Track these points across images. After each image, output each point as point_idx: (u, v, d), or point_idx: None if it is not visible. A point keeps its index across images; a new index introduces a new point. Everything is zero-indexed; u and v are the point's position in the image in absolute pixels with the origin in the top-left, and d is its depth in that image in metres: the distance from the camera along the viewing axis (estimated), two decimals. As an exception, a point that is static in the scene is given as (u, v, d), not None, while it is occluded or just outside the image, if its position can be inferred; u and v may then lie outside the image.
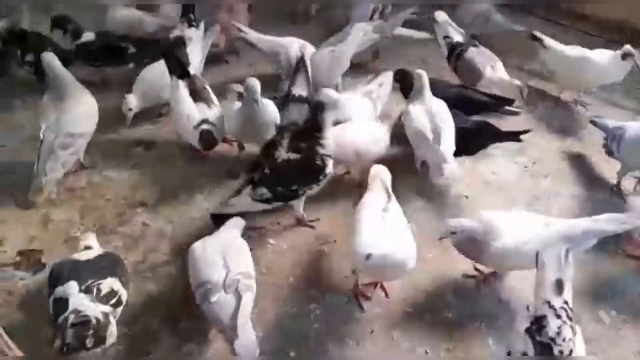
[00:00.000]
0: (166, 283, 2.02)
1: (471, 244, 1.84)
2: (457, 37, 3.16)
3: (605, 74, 2.89)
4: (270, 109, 2.45)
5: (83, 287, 1.58)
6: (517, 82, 2.85)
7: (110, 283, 1.63)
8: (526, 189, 2.51)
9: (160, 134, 2.84)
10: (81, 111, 2.47)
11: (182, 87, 2.56)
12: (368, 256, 1.72)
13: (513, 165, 2.67)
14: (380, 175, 2.06)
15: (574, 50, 2.97)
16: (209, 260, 1.77)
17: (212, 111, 2.55)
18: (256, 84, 2.33)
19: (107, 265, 1.72)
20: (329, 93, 2.22)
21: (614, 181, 2.48)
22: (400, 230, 1.85)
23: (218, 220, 2.06)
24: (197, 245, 1.85)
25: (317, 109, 2.12)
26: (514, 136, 2.49)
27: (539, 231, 1.80)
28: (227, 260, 1.76)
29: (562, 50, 2.99)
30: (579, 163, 2.69)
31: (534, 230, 1.80)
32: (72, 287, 1.57)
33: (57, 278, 1.63)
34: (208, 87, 2.69)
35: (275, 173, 2.05)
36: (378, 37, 3.28)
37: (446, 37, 3.18)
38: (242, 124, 2.44)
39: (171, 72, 2.59)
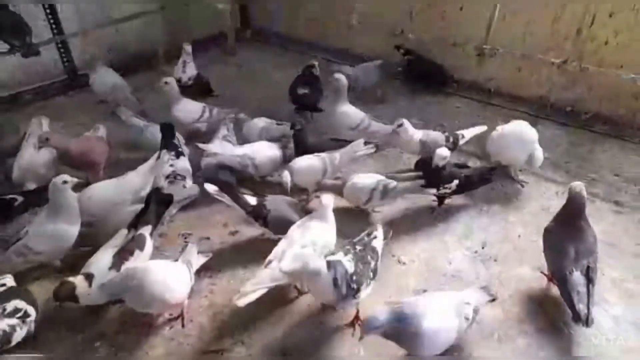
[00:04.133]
0: None
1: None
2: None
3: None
4: None
5: None
6: None
7: (15, 304, 2.18)
8: (480, 276, 2.62)
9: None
10: (51, 232, 2.51)
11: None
12: None
13: (464, 250, 2.79)
14: None
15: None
16: None
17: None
18: None
19: (12, 293, 2.26)
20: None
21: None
22: None
23: None
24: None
25: None
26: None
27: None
28: None
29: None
30: (523, 242, 2.84)
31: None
32: None
33: None
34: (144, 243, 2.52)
35: None
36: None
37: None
38: None
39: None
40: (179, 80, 4.28)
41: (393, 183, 2.92)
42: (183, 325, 2.35)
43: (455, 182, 2.92)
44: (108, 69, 4.29)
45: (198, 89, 4.40)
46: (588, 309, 2.12)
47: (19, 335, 2.14)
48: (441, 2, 4.52)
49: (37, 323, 2.26)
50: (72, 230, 2.58)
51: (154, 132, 3.42)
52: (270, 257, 2.36)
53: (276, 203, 2.73)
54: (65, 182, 2.52)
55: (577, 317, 2.13)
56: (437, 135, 3.37)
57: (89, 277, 2.23)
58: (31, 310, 2.22)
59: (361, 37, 5.16)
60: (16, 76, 4.59)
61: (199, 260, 2.50)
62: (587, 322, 2.10)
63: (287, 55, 5.51)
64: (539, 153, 3.17)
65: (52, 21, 4.59)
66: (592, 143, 3.79)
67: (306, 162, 3.09)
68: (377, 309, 1.91)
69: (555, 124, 4.03)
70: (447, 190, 2.95)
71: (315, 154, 3.15)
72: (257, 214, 2.69)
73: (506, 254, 2.76)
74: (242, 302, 2.19)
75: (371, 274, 2.20)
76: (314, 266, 2.01)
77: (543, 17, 4.00)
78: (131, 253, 2.41)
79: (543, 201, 3.16)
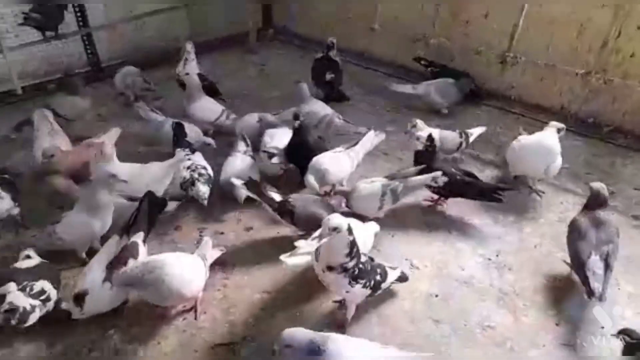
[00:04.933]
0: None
1: None
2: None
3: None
4: None
5: (20, 287, 2.17)
6: None
7: (41, 284, 2.23)
8: (494, 284, 2.60)
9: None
10: (76, 224, 2.59)
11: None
12: None
13: (478, 258, 2.77)
14: None
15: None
16: None
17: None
18: None
19: (42, 271, 2.32)
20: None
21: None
22: None
23: None
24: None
25: None
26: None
27: None
28: None
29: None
30: (539, 253, 2.81)
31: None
32: (10, 287, 2.16)
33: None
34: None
35: None
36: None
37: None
38: None
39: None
40: (178, 77, 4.28)
41: (400, 185, 2.86)
42: (196, 318, 2.38)
43: (439, 173, 2.86)
44: (130, 67, 4.40)
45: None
46: (603, 288, 2.26)
47: (35, 316, 2.18)
48: (465, 9, 4.51)
49: (56, 305, 2.30)
50: (96, 224, 2.62)
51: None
52: (318, 232, 2.36)
53: (301, 200, 2.74)
54: (113, 176, 2.62)
55: (590, 293, 2.24)
56: (450, 133, 3.46)
57: (81, 298, 2.21)
58: (53, 294, 2.29)
59: (382, 41, 5.18)
60: (42, 66, 4.72)
61: (213, 254, 2.53)
62: (601, 298, 2.23)
63: (308, 56, 5.48)
64: (558, 163, 3.12)
65: (78, 14, 4.70)
66: (612, 156, 3.74)
67: (337, 163, 3.07)
68: (299, 330, 1.84)
69: (575, 135, 3.97)
70: (432, 184, 2.93)
71: (336, 150, 3.16)
72: (283, 210, 2.70)
73: (521, 263, 2.73)
74: (290, 260, 2.31)
75: (372, 284, 2.21)
76: (338, 220, 2.04)
77: (568, 27, 3.96)
78: (125, 263, 2.29)
79: (560, 212, 3.12)
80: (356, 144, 3.23)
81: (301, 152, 3.20)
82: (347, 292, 2.19)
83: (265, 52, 5.72)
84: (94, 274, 2.29)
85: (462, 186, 2.96)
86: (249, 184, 2.80)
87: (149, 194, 2.65)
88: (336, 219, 2.05)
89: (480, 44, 4.47)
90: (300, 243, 2.39)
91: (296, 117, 3.22)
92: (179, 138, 3.30)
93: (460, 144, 3.47)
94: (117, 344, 2.26)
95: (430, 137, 3.05)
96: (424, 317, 2.40)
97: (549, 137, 3.14)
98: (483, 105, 4.47)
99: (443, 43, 4.70)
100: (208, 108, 3.83)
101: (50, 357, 2.20)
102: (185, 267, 2.26)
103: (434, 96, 4.23)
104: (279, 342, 1.80)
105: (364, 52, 5.38)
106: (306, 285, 2.55)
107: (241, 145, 3.40)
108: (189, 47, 4.40)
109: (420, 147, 3.04)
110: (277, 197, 2.75)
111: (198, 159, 3.18)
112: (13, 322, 2.11)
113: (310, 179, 2.96)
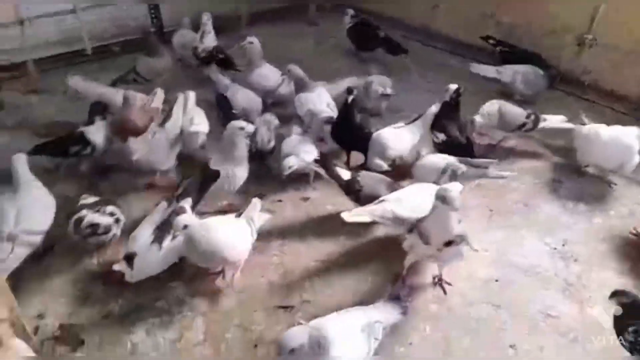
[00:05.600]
0: None
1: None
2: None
3: None
4: None
5: (95, 210, 2.46)
6: None
7: (111, 209, 2.52)
8: (558, 273, 2.50)
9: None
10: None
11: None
12: None
13: (543, 246, 2.67)
14: None
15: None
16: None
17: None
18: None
19: (107, 202, 2.58)
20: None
21: None
22: None
23: None
24: None
25: None
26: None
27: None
28: (20, 214, 2.30)
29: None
30: (608, 245, 2.67)
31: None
32: (85, 212, 2.43)
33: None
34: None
35: None
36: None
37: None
38: None
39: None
40: (195, 50, 4.19)
41: (462, 169, 2.77)
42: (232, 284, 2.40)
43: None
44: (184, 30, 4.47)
45: (210, 62, 4.14)
46: None
47: (113, 234, 2.49)
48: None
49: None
50: (239, 171, 2.71)
51: (235, 92, 3.56)
52: (384, 197, 2.42)
53: (369, 179, 2.69)
54: (242, 128, 2.69)
55: None
56: (515, 109, 3.34)
57: (131, 258, 2.28)
58: (122, 217, 2.58)
59: (445, 17, 4.99)
60: (109, 29, 4.85)
61: (260, 218, 2.50)
62: None
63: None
64: (635, 159, 2.93)
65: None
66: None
67: (398, 137, 3.06)
68: (295, 329, 1.78)
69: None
70: (435, 139, 3.05)
71: (396, 125, 3.14)
72: (350, 189, 2.66)
73: (589, 255, 2.60)
74: (349, 217, 2.34)
75: None
76: (456, 187, 2.10)
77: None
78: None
79: (632, 205, 2.94)
80: (417, 119, 3.17)
81: (347, 130, 3.15)
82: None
83: (325, 23, 5.64)
84: (142, 237, 2.35)
85: (456, 147, 2.98)
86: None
87: (203, 166, 2.69)
88: (455, 188, 2.06)
89: (555, 24, 4.20)
90: (358, 210, 2.38)
91: (350, 91, 3.12)
92: (225, 111, 3.24)
93: (524, 124, 3.30)
94: (179, 295, 2.35)
95: (457, 90, 3.07)
96: (482, 302, 2.35)
97: (629, 134, 2.95)
98: (552, 89, 4.22)
99: (515, 21, 4.45)
100: (267, 75, 3.83)
101: (119, 304, 2.32)
102: (229, 231, 2.27)
103: (518, 84, 3.97)
104: (281, 349, 1.73)
105: (422, 28, 5.21)
106: (361, 255, 2.56)
107: (296, 128, 3.31)
108: (205, 18, 4.19)
109: (447, 98, 3.08)
110: (346, 174, 2.71)
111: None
112: (99, 232, 2.40)
113: (375, 159, 2.96)
